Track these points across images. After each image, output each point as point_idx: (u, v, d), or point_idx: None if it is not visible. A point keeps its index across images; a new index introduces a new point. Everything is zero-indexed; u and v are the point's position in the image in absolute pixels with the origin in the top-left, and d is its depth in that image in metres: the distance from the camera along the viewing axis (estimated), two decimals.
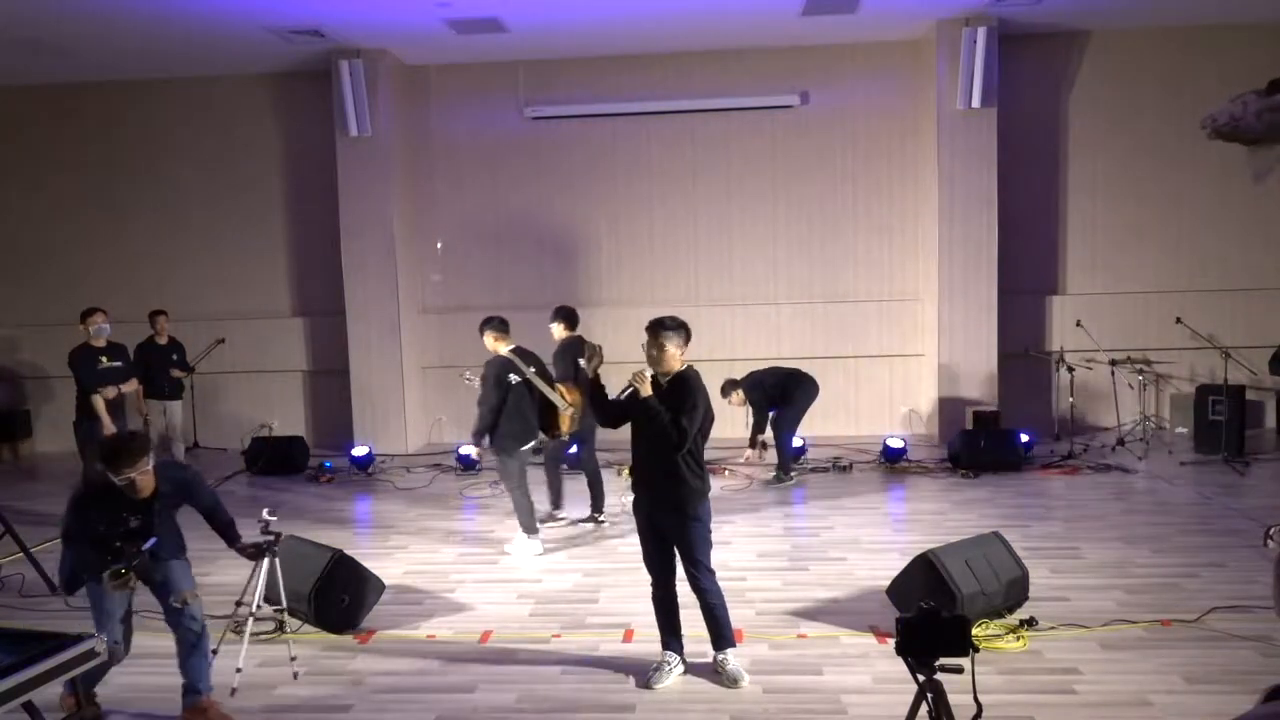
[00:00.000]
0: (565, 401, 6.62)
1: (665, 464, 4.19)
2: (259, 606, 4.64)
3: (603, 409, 4.40)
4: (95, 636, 3.50)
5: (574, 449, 7.54)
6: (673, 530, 4.27)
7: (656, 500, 4.27)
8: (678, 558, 4.35)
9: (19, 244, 10.79)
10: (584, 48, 9.77)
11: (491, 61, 10.08)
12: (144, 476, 3.93)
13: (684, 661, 4.42)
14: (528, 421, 6.43)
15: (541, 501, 6.90)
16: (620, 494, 7.93)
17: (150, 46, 9.18)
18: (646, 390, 4.13)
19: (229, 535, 4.37)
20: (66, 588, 4.08)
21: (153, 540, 3.97)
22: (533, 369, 6.46)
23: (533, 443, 6.56)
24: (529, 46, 9.59)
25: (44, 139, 10.67)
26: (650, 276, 10.38)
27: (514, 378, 6.31)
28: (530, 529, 6.42)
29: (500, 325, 6.47)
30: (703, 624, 4.38)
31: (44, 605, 5.63)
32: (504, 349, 6.42)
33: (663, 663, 4.36)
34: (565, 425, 6.67)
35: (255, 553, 4.46)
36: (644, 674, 4.36)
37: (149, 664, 4.67)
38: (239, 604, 4.72)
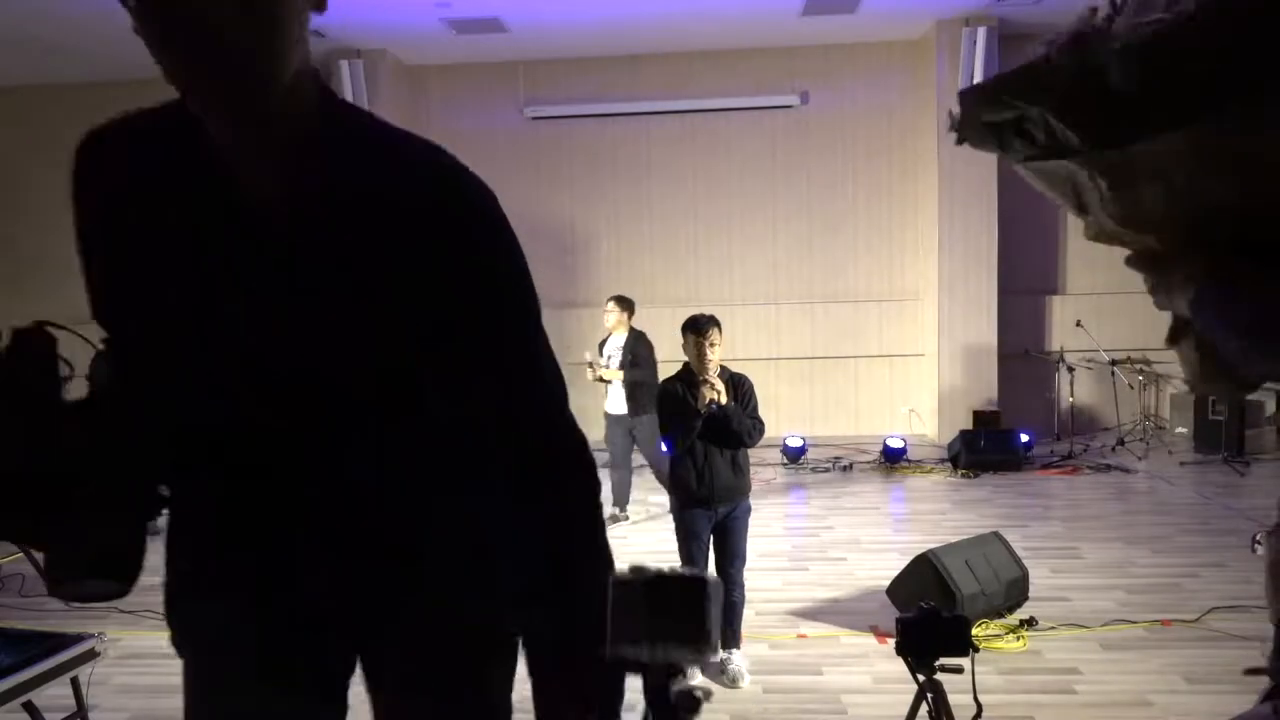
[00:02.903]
0: None
1: (739, 460, 4.32)
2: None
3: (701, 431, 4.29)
4: (95, 636, 3.30)
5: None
6: (738, 523, 4.34)
7: (729, 498, 4.30)
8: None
9: (18, 244, 10.78)
10: (584, 48, 9.76)
11: (491, 61, 10.07)
12: None
13: None
14: None
15: None
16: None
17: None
18: (724, 397, 4.20)
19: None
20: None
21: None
22: None
23: None
24: (529, 46, 9.58)
25: (44, 139, 10.65)
26: (650, 276, 10.36)
27: None
28: None
29: None
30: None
31: (44, 605, 5.62)
32: None
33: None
34: None
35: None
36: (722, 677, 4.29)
37: (148, 664, 4.67)
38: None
